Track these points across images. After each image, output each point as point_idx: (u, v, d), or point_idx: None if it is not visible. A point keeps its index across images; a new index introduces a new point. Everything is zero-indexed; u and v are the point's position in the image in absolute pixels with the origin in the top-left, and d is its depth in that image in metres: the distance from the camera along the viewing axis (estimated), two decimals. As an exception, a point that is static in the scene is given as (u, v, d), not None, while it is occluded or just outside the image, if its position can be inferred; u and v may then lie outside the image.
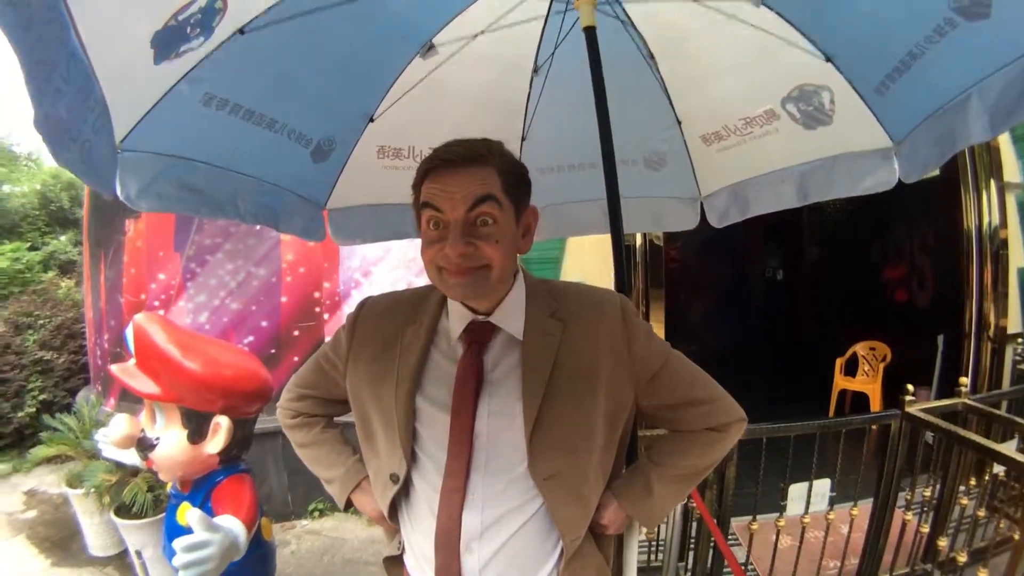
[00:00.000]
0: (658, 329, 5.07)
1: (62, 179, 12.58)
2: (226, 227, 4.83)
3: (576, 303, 1.48)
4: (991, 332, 5.49)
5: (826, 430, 3.42)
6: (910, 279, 8.26)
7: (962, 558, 3.21)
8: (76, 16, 0.99)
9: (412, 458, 1.41)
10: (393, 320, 1.51)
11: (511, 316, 1.42)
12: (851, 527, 3.53)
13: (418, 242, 1.39)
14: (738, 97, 2.51)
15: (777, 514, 3.41)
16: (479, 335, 1.42)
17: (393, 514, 1.49)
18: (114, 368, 2.58)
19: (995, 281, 5.49)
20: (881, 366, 6.83)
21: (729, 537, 3.52)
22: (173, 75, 1.61)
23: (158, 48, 1.42)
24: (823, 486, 3.44)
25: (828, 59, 2.14)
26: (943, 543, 3.42)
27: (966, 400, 3.64)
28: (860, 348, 7.11)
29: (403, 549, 1.54)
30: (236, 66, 1.72)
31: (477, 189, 1.27)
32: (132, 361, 2.54)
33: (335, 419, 1.78)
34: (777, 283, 11.13)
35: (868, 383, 6.73)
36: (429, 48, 2.19)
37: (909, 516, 3.53)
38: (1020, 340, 5.49)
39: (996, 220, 5.42)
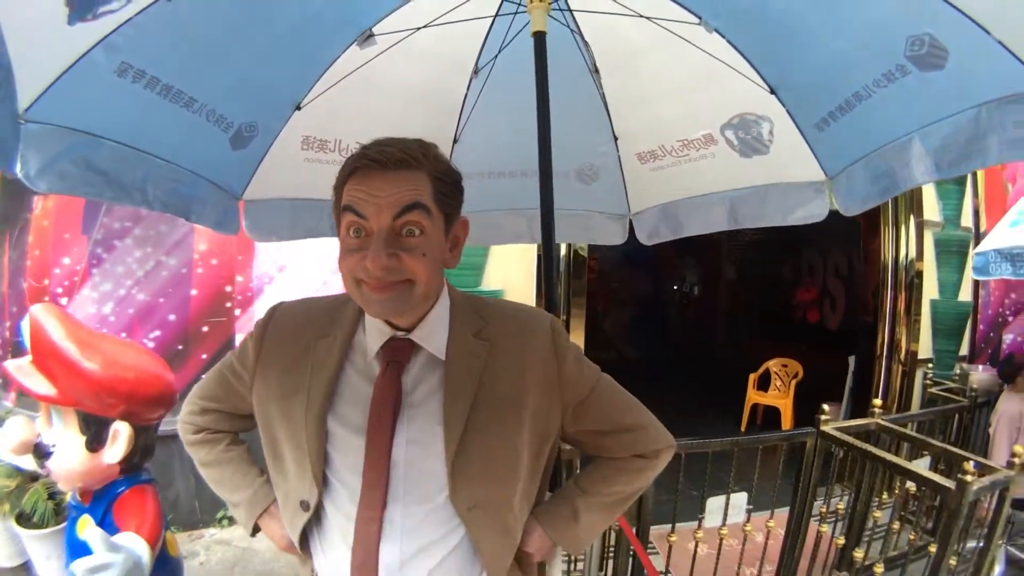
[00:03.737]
0: (578, 338, 5.17)
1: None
2: (136, 210, 4.52)
3: (504, 323, 1.39)
4: (902, 356, 5.92)
5: (743, 446, 3.49)
6: (822, 301, 8.84)
7: (879, 568, 3.35)
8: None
9: (324, 484, 1.29)
10: (306, 331, 1.38)
11: (434, 334, 1.32)
12: (767, 537, 3.62)
13: (336, 239, 1.26)
14: (678, 119, 2.54)
15: (695, 523, 3.47)
16: (398, 353, 1.30)
17: (304, 543, 1.37)
18: (8, 365, 2.35)
19: (908, 309, 5.95)
20: (793, 382, 7.21)
21: (647, 546, 3.52)
22: (88, 38, 1.46)
23: (74, 6, 1.29)
24: (740, 499, 3.51)
25: (772, 91, 2.19)
26: (859, 554, 3.55)
27: (879, 420, 3.82)
28: (773, 365, 7.50)
29: None
30: (158, 35, 1.58)
31: (406, 196, 1.16)
32: (28, 358, 2.33)
33: (241, 435, 1.63)
34: (693, 298, 11.53)
35: (780, 398, 7.11)
36: (368, 37, 2.08)
37: (824, 527, 3.65)
38: (930, 365, 5.93)
39: (913, 254, 5.88)
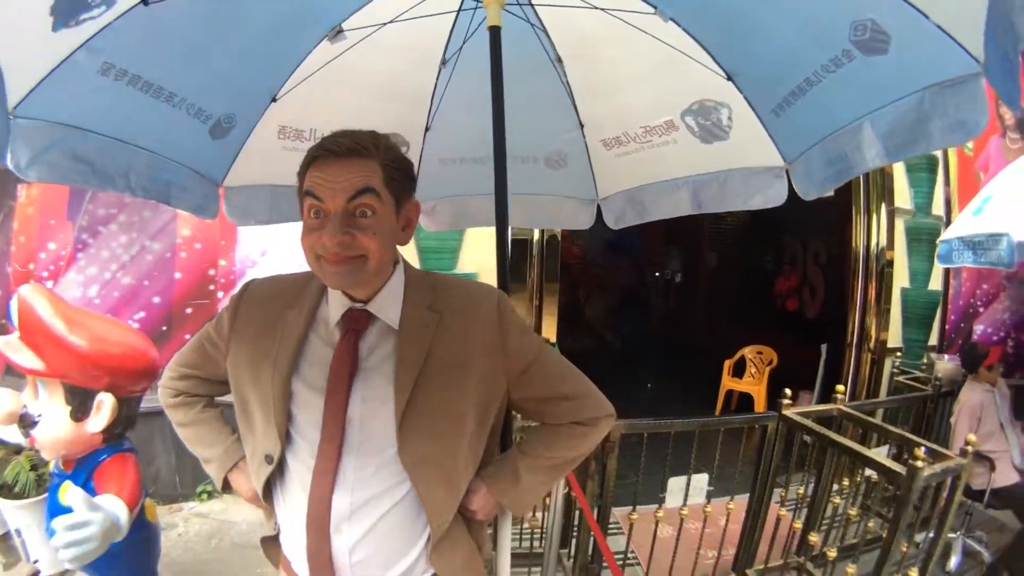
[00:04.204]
0: (551, 322, 5.31)
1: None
2: (121, 197, 4.67)
3: (454, 296, 1.55)
4: (871, 344, 5.97)
5: (706, 428, 3.57)
6: (802, 290, 8.81)
7: (832, 553, 3.40)
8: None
9: (287, 439, 1.45)
10: (275, 304, 1.54)
11: (388, 306, 1.48)
12: (728, 519, 3.69)
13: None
14: (640, 106, 2.61)
15: (656, 505, 3.54)
16: (356, 322, 1.47)
17: (268, 495, 1.53)
18: None
19: (879, 298, 6.00)
20: (767, 369, 7.29)
21: (611, 525, 3.66)
22: (71, 43, 1.59)
23: (57, 15, 1.42)
24: (701, 480, 3.58)
25: (730, 78, 2.25)
26: (815, 538, 3.61)
27: (841, 406, 3.89)
28: (748, 352, 7.58)
29: (279, 530, 1.58)
30: (137, 37, 1.71)
31: (358, 181, 1.32)
32: (16, 334, 2.48)
33: (216, 400, 1.79)
34: (675, 285, 11.52)
35: (754, 385, 7.27)
36: (337, 32, 2.20)
37: (783, 511, 3.76)
38: (899, 354, 6.02)
39: (884, 242, 5.97)
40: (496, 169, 2.06)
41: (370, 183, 1.34)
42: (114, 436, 2.55)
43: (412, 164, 1.48)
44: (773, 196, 2.50)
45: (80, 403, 2.43)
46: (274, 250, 5.06)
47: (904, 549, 3.15)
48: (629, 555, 3.99)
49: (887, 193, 5.98)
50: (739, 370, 7.58)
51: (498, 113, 2.03)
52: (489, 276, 4.82)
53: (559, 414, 1.64)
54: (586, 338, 9.82)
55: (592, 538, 3.44)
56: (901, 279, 6.14)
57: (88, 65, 1.68)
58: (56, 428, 2.42)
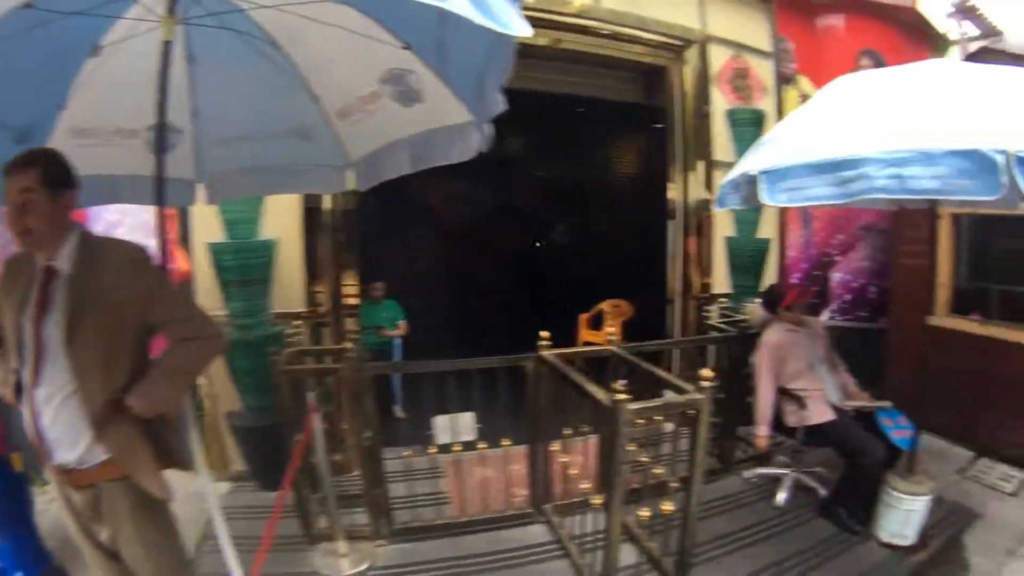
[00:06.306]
0: (353, 290, 6.36)
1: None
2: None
3: (109, 251, 2.56)
4: (695, 292, 7.36)
5: (461, 368, 4.48)
6: None
7: (597, 500, 3.98)
8: None
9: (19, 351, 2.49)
10: (18, 268, 2.62)
11: (64, 261, 2.48)
12: (507, 462, 4.62)
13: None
14: (349, 79, 3.29)
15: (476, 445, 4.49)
16: (47, 274, 2.50)
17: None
18: None
19: (699, 249, 7.29)
20: (619, 321, 8.72)
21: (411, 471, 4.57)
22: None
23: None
24: (468, 419, 4.51)
25: (407, 47, 2.88)
26: (588, 486, 4.34)
27: (615, 348, 4.69)
28: (605, 305, 8.78)
29: None
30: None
31: (23, 183, 2.35)
32: None
33: None
34: (556, 246, 13.66)
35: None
36: (96, 49, 3.05)
37: (555, 447, 4.59)
38: (722, 300, 7.25)
39: (701, 195, 7.32)
40: (157, 158, 3.08)
41: (29, 184, 2.36)
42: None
43: (69, 169, 2.57)
44: (468, 148, 3.24)
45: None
46: (117, 234, 5.53)
47: (670, 485, 3.82)
48: (442, 496, 4.82)
49: (702, 148, 7.30)
50: (599, 323, 8.58)
51: (161, 113, 3.01)
52: (290, 241, 5.90)
53: (174, 332, 2.64)
54: (449, 298, 11.33)
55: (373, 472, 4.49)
56: (725, 229, 7.36)
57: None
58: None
